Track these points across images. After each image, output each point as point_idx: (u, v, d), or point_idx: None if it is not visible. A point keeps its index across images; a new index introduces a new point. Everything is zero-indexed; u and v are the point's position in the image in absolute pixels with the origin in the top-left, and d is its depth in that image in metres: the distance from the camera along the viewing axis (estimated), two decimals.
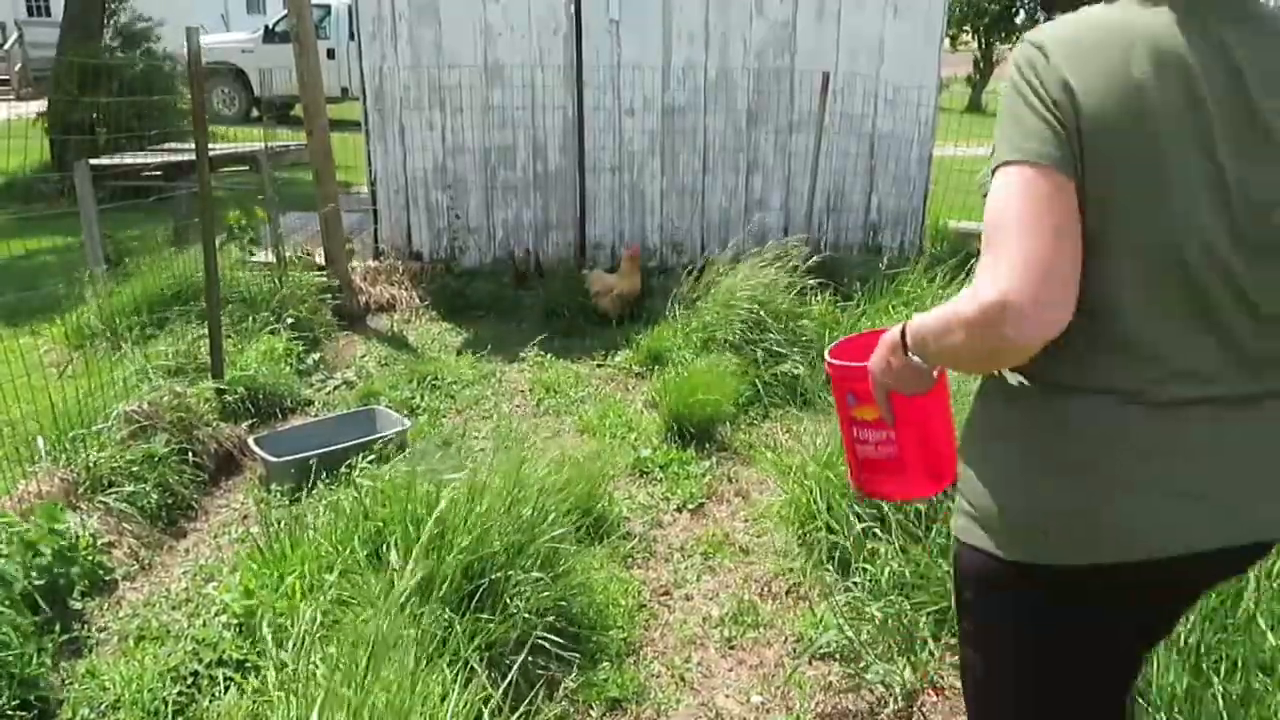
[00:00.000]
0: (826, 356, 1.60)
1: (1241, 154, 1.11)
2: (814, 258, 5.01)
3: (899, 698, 2.30)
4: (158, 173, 8.21)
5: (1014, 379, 1.24)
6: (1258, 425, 1.17)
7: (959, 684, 2.33)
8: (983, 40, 30.84)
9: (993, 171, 1.14)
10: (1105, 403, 1.16)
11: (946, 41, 9.73)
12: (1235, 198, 1.11)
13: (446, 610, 2.20)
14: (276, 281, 5.02)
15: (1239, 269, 1.12)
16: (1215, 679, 1.92)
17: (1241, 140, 1.11)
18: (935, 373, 1.37)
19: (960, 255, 4.74)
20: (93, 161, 6.26)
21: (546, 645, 2.31)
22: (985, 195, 1.15)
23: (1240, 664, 1.95)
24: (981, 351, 1.14)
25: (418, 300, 5.82)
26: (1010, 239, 1.08)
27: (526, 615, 2.28)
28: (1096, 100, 1.09)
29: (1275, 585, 2.10)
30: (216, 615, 2.50)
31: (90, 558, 2.74)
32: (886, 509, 2.67)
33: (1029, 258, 1.06)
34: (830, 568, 2.80)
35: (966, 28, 30.98)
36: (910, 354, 1.29)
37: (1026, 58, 1.14)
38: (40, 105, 10.10)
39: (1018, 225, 1.08)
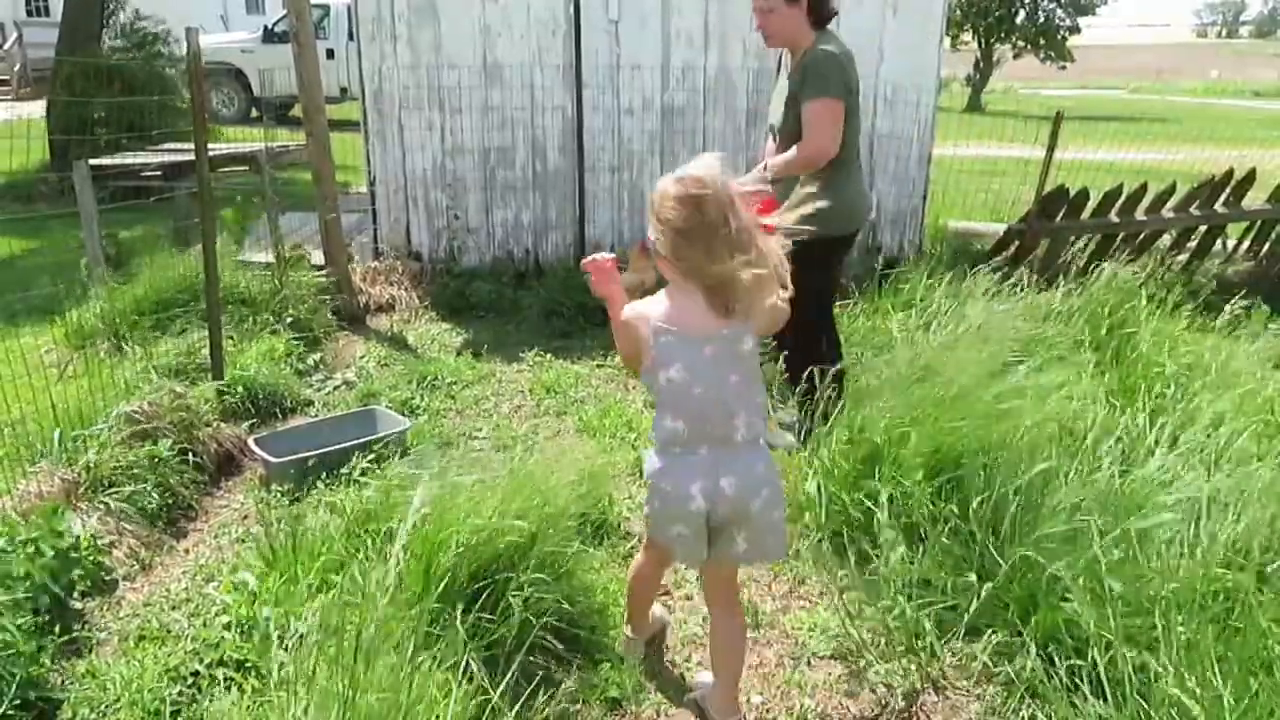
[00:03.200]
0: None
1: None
2: None
3: (900, 698, 2.31)
4: (158, 173, 8.21)
5: (828, 166, 3.36)
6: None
7: (961, 683, 2.34)
8: (983, 40, 30.87)
9: (817, 97, 3.35)
10: (853, 167, 3.55)
11: (946, 41, 9.72)
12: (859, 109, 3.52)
13: (447, 611, 2.20)
14: (276, 282, 5.02)
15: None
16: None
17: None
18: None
19: (958, 253, 4.73)
20: (93, 161, 6.26)
21: (547, 645, 2.31)
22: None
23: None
24: (811, 163, 3.34)
25: (417, 300, 5.81)
26: (826, 126, 3.36)
27: (527, 616, 2.28)
28: (853, 73, 3.44)
29: None
30: (217, 615, 2.49)
31: (90, 558, 2.73)
32: (886, 507, 2.67)
33: (830, 132, 3.38)
34: (830, 567, 2.80)
35: (966, 27, 31.02)
36: (768, 175, 3.31)
37: (836, 56, 3.36)
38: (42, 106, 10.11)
39: (827, 120, 3.37)
